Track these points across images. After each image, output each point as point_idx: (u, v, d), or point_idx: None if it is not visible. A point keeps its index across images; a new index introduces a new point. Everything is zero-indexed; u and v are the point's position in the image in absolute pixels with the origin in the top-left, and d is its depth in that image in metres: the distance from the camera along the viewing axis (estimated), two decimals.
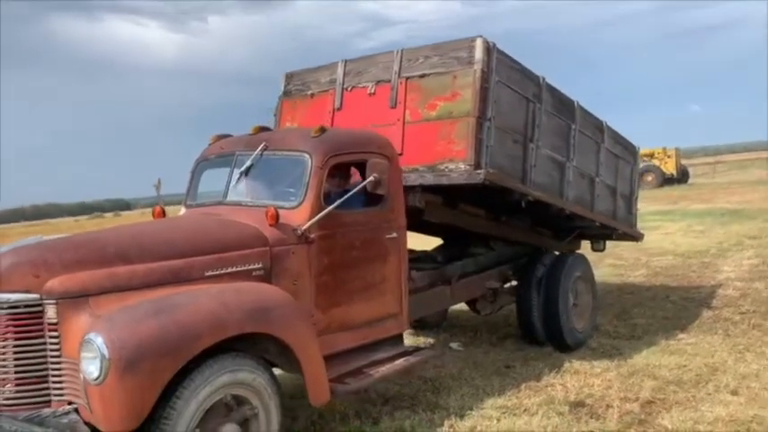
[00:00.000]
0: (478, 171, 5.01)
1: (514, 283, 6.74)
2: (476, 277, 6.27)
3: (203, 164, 4.93)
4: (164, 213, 4.76)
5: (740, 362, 5.63)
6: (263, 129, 4.73)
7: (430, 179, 5.19)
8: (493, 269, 6.52)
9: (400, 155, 5.29)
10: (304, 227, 4.08)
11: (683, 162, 41.14)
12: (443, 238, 7.35)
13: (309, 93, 6.17)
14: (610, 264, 11.20)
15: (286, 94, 6.41)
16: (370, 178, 4.13)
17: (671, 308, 7.89)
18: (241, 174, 4.47)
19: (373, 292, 4.58)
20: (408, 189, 5.09)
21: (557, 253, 6.98)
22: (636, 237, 8.13)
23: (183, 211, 4.90)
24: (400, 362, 4.60)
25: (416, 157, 5.30)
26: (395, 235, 4.72)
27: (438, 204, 5.74)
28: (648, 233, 15.22)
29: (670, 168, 36.75)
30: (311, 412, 4.82)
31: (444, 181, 5.15)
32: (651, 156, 37.58)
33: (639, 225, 16.44)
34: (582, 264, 6.83)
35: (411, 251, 7.13)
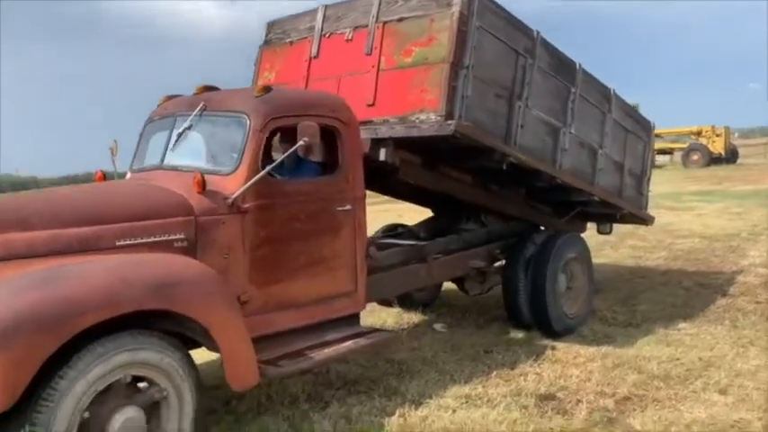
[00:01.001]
0: (449, 122, 4.59)
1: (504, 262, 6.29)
2: (458, 255, 5.85)
3: (149, 126, 4.62)
4: (105, 179, 4.48)
5: (740, 357, 5.11)
6: (209, 88, 4.38)
7: (400, 131, 4.81)
8: (480, 247, 6.09)
9: (372, 105, 4.94)
10: (234, 195, 3.74)
11: (736, 142, 39.40)
12: (434, 211, 6.94)
13: (288, 41, 5.82)
14: (630, 245, 10.59)
15: (267, 43, 6.06)
16: (300, 142, 3.74)
17: (682, 294, 7.33)
18: (178, 136, 4.15)
19: (321, 269, 4.23)
20: (380, 143, 4.73)
21: (548, 233, 6.48)
22: (644, 219, 7.53)
23: (128, 176, 4.61)
24: (348, 344, 4.24)
25: (389, 108, 4.94)
26: (348, 207, 4.34)
27: (416, 165, 5.35)
28: (681, 214, 14.59)
29: (718, 147, 35.14)
30: (258, 393, 4.53)
31: (414, 133, 4.75)
32: (698, 134, 36.04)
33: (675, 205, 15.87)
34: (576, 244, 6.33)
35: (401, 226, 6.81)
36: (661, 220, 13.25)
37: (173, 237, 3.61)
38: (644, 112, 7.67)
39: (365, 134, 4.77)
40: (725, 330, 5.85)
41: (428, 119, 4.69)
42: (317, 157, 3.81)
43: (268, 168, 3.79)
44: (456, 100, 4.66)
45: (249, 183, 3.73)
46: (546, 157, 5.64)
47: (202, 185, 3.68)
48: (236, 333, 3.51)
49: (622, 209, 6.80)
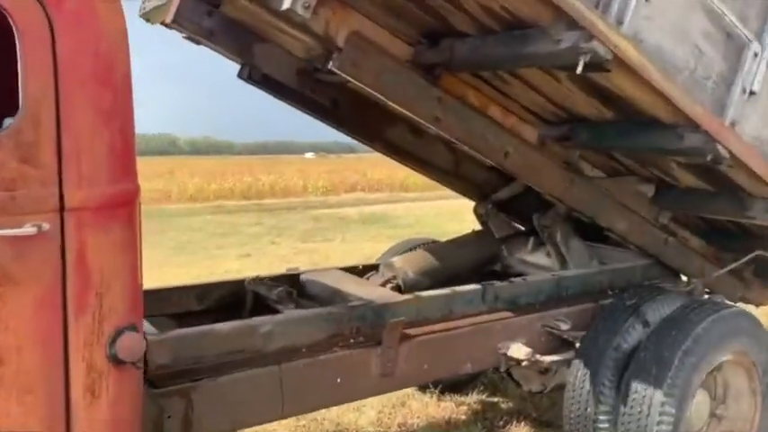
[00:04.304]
0: None
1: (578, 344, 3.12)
2: (469, 329, 2.83)
3: None
4: None
5: None
6: None
7: None
8: (529, 314, 3.02)
9: None
10: None
11: None
12: (479, 218, 3.90)
13: None
14: None
15: None
16: None
17: None
18: None
19: None
20: None
21: (681, 297, 3.17)
22: None
23: None
24: None
25: None
26: (32, 229, 1.56)
27: (392, 58, 2.49)
28: None
29: None
30: None
31: None
32: None
33: None
34: (740, 330, 2.95)
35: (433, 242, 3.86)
36: None
37: None
38: None
39: None
40: None
41: None
42: None
43: None
44: None
45: None
46: (697, 92, 2.35)
47: None
48: None
49: None
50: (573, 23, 1.95)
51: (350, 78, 2.39)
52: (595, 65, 2.01)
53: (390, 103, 2.64)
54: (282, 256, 8.54)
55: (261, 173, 24.92)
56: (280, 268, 7.72)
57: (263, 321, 2.41)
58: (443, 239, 3.92)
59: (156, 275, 7.60)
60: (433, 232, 9.66)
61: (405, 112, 2.68)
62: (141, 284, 1.86)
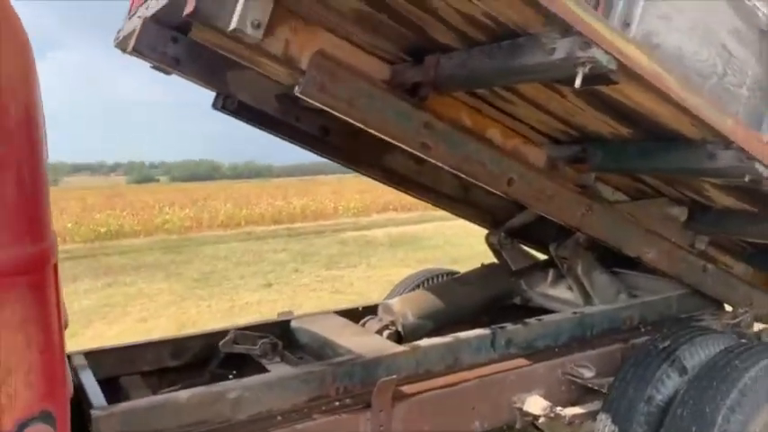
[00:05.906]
0: None
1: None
2: (477, 383, 2.47)
3: None
4: None
5: None
6: None
7: None
8: (549, 359, 2.65)
9: None
10: None
11: None
12: (493, 249, 3.54)
13: None
14: None
15: None
16: None
17: None
18: None
19: None
20: None
21: (724, 337, 2.76)
22: None
23: None
24: None
25: None
26: None
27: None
28: None
29: None
30: None
31: None
32: None
33: None
34: None
35: (450, 274, 3.53)
36: None
37: None
38: None
39: None
40: None
41: None
42: None
43: None
44: None
45: None
46: (729, 102, 1.98)
47: None
48: None
49: None
50: (567, 28, 1.61)
51: (320, 105, 2.09)
52: (598, 77, 1.67)
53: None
54: (305, 285, 8.27)
55: (294, 196, 24.85)
56: (300, 298, 7.48)
57: (230, 386, 2.11)
58: (467, 266, 3.60)
59: (175, 312, 7.45)
60: (463, 254, 9.30)
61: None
62: (61, 362, 1.57)
